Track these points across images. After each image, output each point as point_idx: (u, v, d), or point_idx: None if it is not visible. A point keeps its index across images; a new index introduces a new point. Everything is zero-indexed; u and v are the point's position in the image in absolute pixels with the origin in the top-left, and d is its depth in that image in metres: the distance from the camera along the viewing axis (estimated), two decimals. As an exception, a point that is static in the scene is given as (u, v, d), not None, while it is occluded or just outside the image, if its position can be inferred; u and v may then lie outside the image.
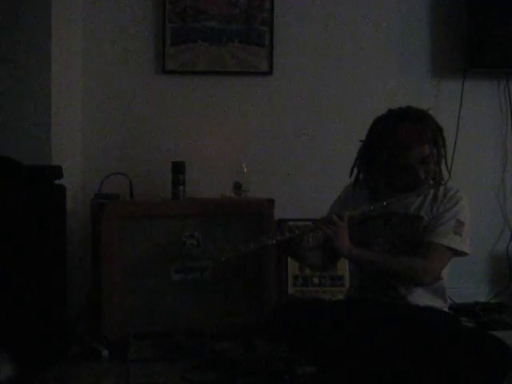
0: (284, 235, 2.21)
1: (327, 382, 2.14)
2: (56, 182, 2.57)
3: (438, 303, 2.25)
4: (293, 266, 3.21)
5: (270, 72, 3.34)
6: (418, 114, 2.23)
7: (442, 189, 2.26)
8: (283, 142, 3.38)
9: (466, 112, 3.42)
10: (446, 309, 2.31)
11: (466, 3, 3.35)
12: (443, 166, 2.25)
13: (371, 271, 2.26)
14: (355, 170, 2.36)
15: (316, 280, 3.22)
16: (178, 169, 2.96)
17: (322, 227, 2.18)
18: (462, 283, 3.27)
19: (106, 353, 2.61)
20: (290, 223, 2.30)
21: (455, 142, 3.35)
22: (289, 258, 3.18)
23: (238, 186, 3.07)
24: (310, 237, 2.38)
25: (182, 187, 2.95)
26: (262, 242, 2.24)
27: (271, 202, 2.94)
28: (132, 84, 3.28)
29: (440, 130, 2.25)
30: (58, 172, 2.58)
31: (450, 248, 2.19)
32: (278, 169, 3.37)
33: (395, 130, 2.20)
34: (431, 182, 2.26)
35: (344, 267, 3.19)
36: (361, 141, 2.33)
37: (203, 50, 3.29)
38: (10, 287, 2.37)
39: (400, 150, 2.19)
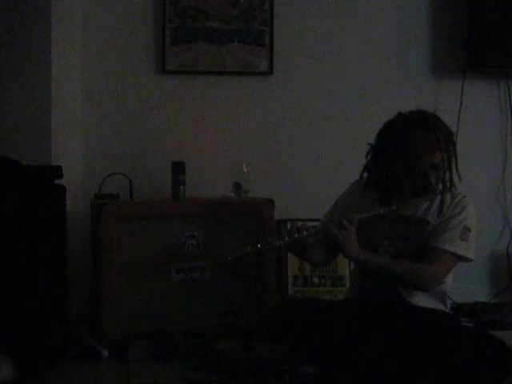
0: (292, 236, 2.21)
1: (327, 382, 2.14)
2: (56, 181, 2.57)
3: (438, 307, 2.26)
4: (293, 266, 3.21)
5: (270, 72, 3.34)
6: (429, 119, 2.22)
7: (449, 193, 2.26)
8: (283, 142, 3.38)
9: (466, 112, 3.41)
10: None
11: (465, 3, 3.35)
12: (454, 172, 2.26)
13: (374, 273, 2.26)
14: (365, 172, 2.35)
15: (316, 280, 3.22)
16: (178, 169, 2.95)
17: (331, 230, 2.18)
18: (462, 283, 3.26)
19: (105, 353, 2.61)
20: (299, 223, 2.28)
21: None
22: (289, 258, 3.18)
23: (237, 186, 3.06)
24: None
25: (182, 187, 2.94)
26: (269, 242, 2.23)
27: (271, 202, 2.94)
28: (132, 84, 3.27)
29: (451, 134, 2.24)
30: (58, 172, 2.58)
31: (456, 254, 2.19)
32: (278, 169, 3.37)
33: (407, 136, 2.19)
34: (441, 187, 2.26)
35: (344, 267, 3.19)
36: (368, 144, 2.32)
37: (203, 50, 3.29)
38: (9, 287, 2.37)
39: (412, 156, 2.18)
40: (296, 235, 2.21)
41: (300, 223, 2.30)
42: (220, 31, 3.29)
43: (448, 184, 2.25)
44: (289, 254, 3.16)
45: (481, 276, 3.52)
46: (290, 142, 3.39)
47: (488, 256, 3.54)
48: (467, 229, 2.21)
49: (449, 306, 2.33)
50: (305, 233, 2.22)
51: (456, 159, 2.25)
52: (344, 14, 3.40)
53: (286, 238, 2.21)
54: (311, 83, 3.40)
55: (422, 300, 2.23)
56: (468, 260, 2.22)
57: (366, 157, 2.33)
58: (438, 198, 2.26)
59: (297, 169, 3.39)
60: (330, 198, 2.50)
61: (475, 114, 3.46)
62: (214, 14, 3.28)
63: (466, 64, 3.38)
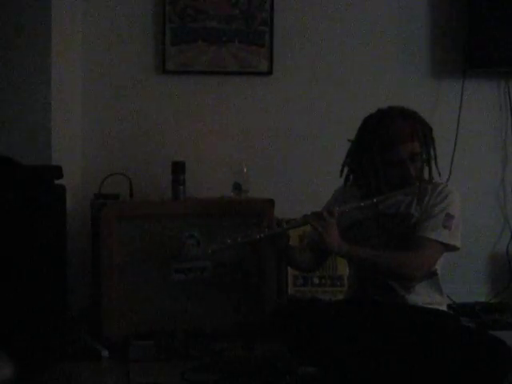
0: (272, 229, 2.21)
1: (327, 382, 2.14)
2: (56, 181, 2.56)
3: (436, 299, 2.26)
4: (293, 266, 3.21)
5: (270, 72, 3.34)
6: (408, 112, 2.26)
7: (429, 186, 2.26)
8: (283, 141, 3.38)
9: (466, 112, 3.41)
10: (445, 303, 2.31)
11: (465, 3, 3.35)
12: (433, 167, 2.26)
13: (368, 271, 2.27)
14: (345, 170, 2.36)
15: (316, 280, 3.22)
16: (178, 169, 2.95)
17: (311, 222, 2.18)
18: (462, 283, 3.27)
19: (105, 353, 2.61)
20: (279, 217, 2.29)
21: (455, 142, 3.36)
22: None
23: (237, 186, 3.07)
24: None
25: (181, 187, 2.94)
26: (249, 235, 2.24)
27: (271, 202, 2.94)
28: (132, 84, 3.28)
29: (430, 129, 2.26)
30: (58, 172, 2.57)
31: (440, 242, 2.18)
32: (278, 169, 3.37)
33: (387, 126, 2.22)
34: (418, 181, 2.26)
35: (344, 267, 3.19)
36: (349, 140, 2.34)
37: (203, 50, 3.29)
38: (9, 287, 2.37)
39: (391, 146, 2.20)
40: (276, 228, 2.21)
41: (279, 217, 2.31)
42: (220, 31, 3.29)
43: (428, 178, 2.25)
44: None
45: (481, 276, 3.52)
46: (290, 141, 3.39)
47: (488, 256, 3.54)
48: (450, 216, 2.19)
49: (446, 298, 2.33)
50: (285, 225, 2.22)
51: (435, 154, 2.25)
52: (344, 14, 3.40)
53: (266, 231, 2.21)
54: (311, 83, 3.40)
55: (419, 294, 2.22)
56: (455, 248, 2.21)
57: (348, 153, 2.35)
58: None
59: (297, 169, 3.39)
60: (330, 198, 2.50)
61: (475, 114, 3.46)
62: (214, 14, 3.28)
63: (465, 64, 3.38)
